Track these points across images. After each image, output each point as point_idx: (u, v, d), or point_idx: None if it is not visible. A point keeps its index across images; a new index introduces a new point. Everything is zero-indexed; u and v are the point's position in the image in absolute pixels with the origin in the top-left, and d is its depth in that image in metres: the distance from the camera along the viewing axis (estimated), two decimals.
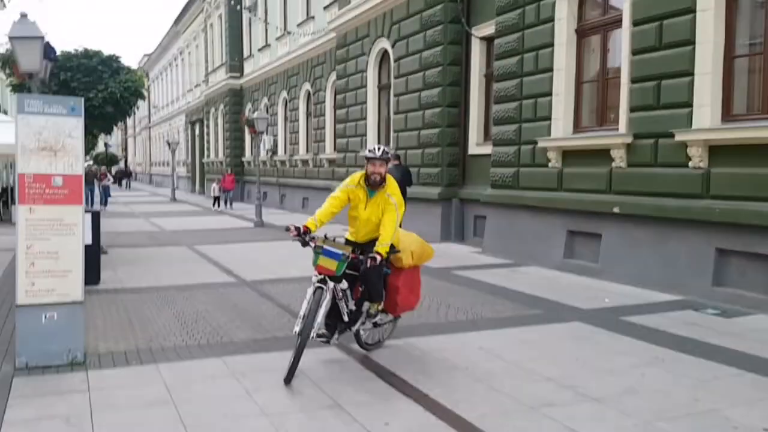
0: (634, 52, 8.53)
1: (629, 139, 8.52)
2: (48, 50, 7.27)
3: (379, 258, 4.58)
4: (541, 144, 10.04)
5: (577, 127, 9.78)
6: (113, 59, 11.15)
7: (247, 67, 28.75)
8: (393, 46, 14.62)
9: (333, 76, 19.05)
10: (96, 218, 8.35)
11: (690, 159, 7.71)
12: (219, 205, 24.13)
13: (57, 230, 4.89)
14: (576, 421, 3.84)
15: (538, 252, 9.96)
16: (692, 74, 7.71)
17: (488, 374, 4.71)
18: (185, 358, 5.16)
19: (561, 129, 9.80)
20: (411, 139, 13.81)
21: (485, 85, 12.62)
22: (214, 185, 25.12)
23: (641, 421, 3.84)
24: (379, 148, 4.80)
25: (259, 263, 10.41)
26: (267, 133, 19.15)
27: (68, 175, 4.91)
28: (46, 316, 4.88)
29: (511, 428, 3.75)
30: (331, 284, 4.66)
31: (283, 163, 23.79)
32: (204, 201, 30.36)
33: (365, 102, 16.18)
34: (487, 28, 12.07)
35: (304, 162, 21.82)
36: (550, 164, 9.96)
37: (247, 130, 26.79)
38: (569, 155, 9.70)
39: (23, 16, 6.46)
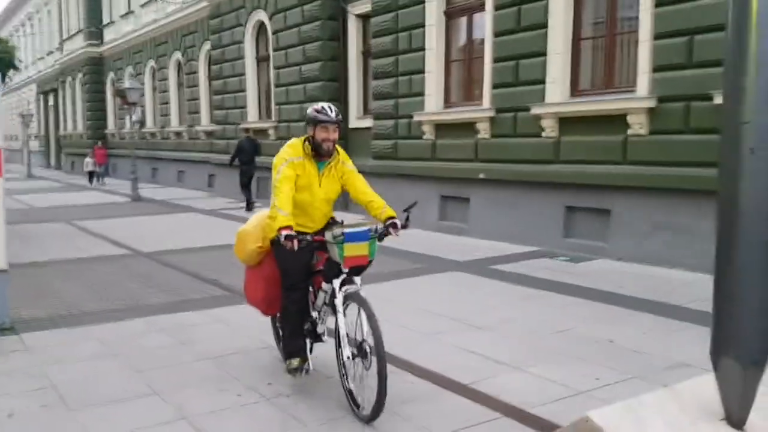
0: (496, 34, 9.65)
1: (492, 113, 9.67)
2: None
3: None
4: (416, 118, 11.01)
5: (447, 102, 10.84)
6: None
7: (108, 34, 27.37)
8: (270, 19, 14.92)
9: (206, 46, 18.90)
10: None
11: (543, 130, 8.98)
12: (94, 181, 23.22)
13: None
14: (467, 342, 4.79)
15: (417, 217, 10.97)
16: (545, 54, 8.94)
17: (391, 314, 5.56)
18: (110, 320, 5.54)
19: (433, 104, 10.82)
20: (294, 112, 14.31)
21: (363, 61, 13.37)
22: (87, 159, 23.83)
23: (518, 339, 4.87)
24: (331, 108, 3.76)
25: (148, 236, 10.57)
26: (139, 104, 18.68)
27: None
28: None
29: (417, 350, 4.62)
30: (358, 280, 3.65)
31: (153, 135, 23.23)
32: (64, 176, 28.83)
33: (244, 74, 16.36)
34: (363, 6, 12.78)
35: (178, 134, 21.50)
36: (424, 136, 10.98)
37: (115, 100, 25.70)
38: (441, 128, 10.76)
39: None
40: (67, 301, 6.19)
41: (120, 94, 18.16)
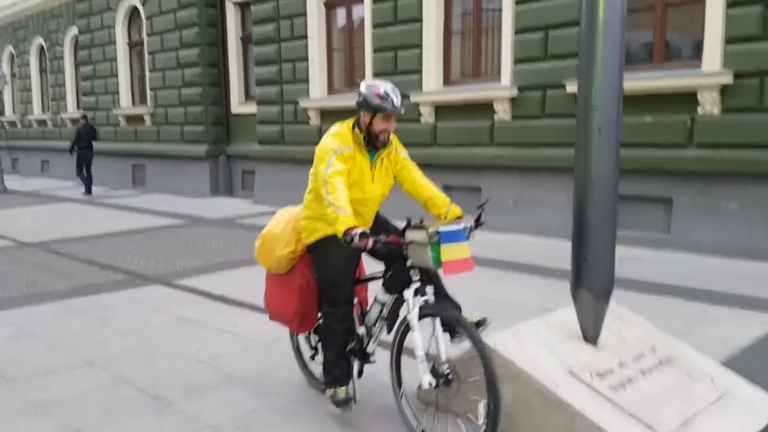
0: (375, 26, 10.29)
1: None
2: None
3: None
4: (302, 104, 11.44)
5: (331, 89, 11.36)
6: None
7: None
8: (144, 4, 14.60)
9: (72, 30, 18.02)
10: None
11: (422, 116, 9.78)
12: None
13: None
14: None
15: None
16: (421, 47, 9.72)
17: None
18: (17, 306, 5.59)
19: (318, 91, 11.30)
20: (171, 98, 14.17)
21: (243, 47, 13.52)
22: None
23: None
24: (396, 95, 3.21)
25: (29, 227, 10.21)
26: (3, 92, 17.48)
27: None
28: None
29: None
30: (430, 290, 3.13)
31: (13, 124, 21.72)
32: None
33: (115, 59, 15.86)
34: None
35: (41, 122, 20.30)
36: (310, 122, 11.44)
37: None
38: (326, 114, 11.27)
39: None
40: None
41: None
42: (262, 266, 3.62)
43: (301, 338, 3.85)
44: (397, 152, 3.39)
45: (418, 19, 9.66)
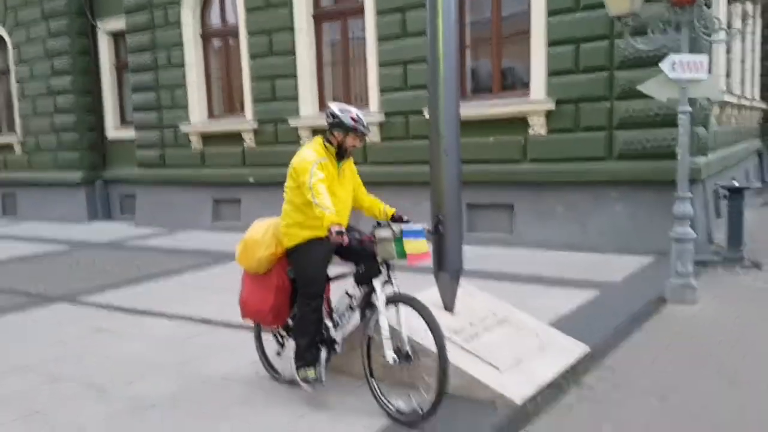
0: (252, 57, 11.12)
1: (255, 125, 11.14)
2: None
3: None
4: (182, 129, 11.96)
5: (212, 114, 12.01)
6: None
7: None
8: (11, 33, 14.38)
9: None
10: None
11: (301, 138, 10.71)
12: None
13: None
14: None
15: (189, 220, 11.94)
16: (296, 76, 10.64)
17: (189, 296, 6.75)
18: None
19: (198, 116, 11.89)
20: (42, 125, 14.05)
21: (117, 74, 13.76)
22: None
23: None
24: (363, 118, 3.92)
25: None
26: None
27: None
28: None
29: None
30: (395, 282, 3.79)
31: None
32: None
33: None
34: (114, 23, 13.23)
35: None
36: (192, 146, 12.00)
37: None
38: (208, 138, 11.87)
39: None
40: None
41: None
42: (243, 267, 4.14)
43: (266, 335, 4.39)
44: (352, 163, 4.09)
45: (293, 53, 10.60)
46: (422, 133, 9.39)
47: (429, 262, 3.84)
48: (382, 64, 9.79)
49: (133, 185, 13.00)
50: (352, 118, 3.83)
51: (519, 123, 8.81)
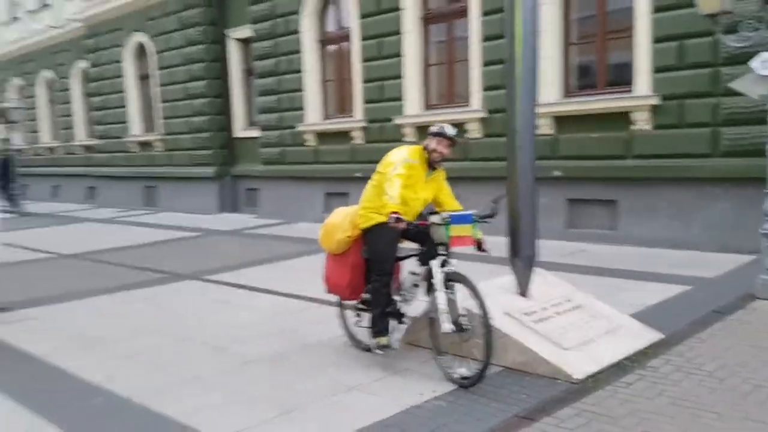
0: (363, 60, 11.81)
1: (364, 124, 11.83)
2: None
3: None
4: (299, 129, 12.91)
5: (326, 115, 12.86)
6: None
7: None
8: (152, 41, 16.10)
9: (80, 64, 19.46)
10: None
11: (404, 136, 11.26)
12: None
13: None
14: None
15: (304, 212, 12.88)
16: (401, 77, 11.21)
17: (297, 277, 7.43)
18: (84, 298, 6.95)
19: (313, 117, 12.79)
20: (180, 126, 15.62)
21: (245, 79, 15.01)
22: None
23: None
24: (450, 127, 4.45)
25: (60, 243, 11.50)
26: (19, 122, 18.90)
27: None
28: None
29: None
30: (454, 261, 4.27)
31: (20, 151, 23.01)
32: None
33: (123, 91, 17.30)
34: (243, 31, 14.43)
35: (51, 149, 21.68)
36: (306, 144, 12.92)
37: None
38: (322, 136, 12.74)
39: None
40: (35, 290, 7.45)
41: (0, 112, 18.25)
42: (324, 248, 4.80)
43: (348, 311, 4.93)
44: (443, 181, 4.65)
45: (399, 54, 11.17)
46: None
47: (470, 245, 4.23)
48: (485, 63, 10.10)
49: (256, 180, 14.18)
50: (438, 126, 4.45)
51: (623, 119, 8.78)
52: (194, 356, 4.89)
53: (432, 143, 4.41)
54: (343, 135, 12.22)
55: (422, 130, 11.06)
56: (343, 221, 4.65)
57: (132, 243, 10.99)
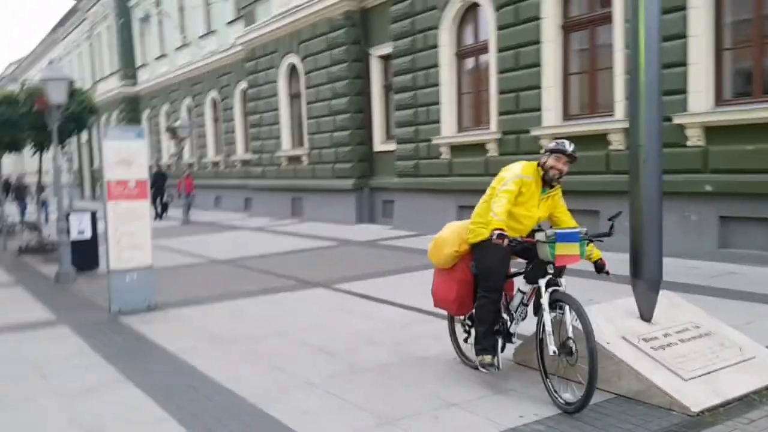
0: (500, 72, 11.68)
1: (499, 136, 11.68)
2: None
3: None
4: (434, 141, 13.04)
5: (460, 127, 12.87)
6: (71, 83, 12.54)
7: (142, 75, 29.82)
8: (302, 61, 17.10)
9: (241, 85, 21.14)
10: (93, 218, 10.26)
11: (541, 147, 10.94)
12: (162, 214, 20.97)
13: (133, 217, 7.11)
14: None
15: (437, 224, 12.77)
16: (540, 87, 10.94)
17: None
18: (222, 301, 7.53)
19: (448, 129, 12.85)
20: (324, 140, 16.42)
21: (384, 94, 15.46)
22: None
23: None
24: (569, 144, 4.20)
25: (216, 249, 12.54)
26: (187, 139, 20.99)
27: (139, 179, 7.14)
28: (129, 277, 7.09)
29: None
30: (563, 281, 4.13)
31: (190, 165, 25.43)
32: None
33: (277, 109, 18.52)
34: (384, 49, 14.89)
35: (215, 164, 23.71)
36: (441, 156, 13.00)
37: (151, 135, 28.06)
38: (456, 149, 12.77)
39: (51, 62, 8.32)
40: (182, 292, 8.20)
41: (170, 131, 20.34)
42: (432, 262, 4.76)
43: (458, 327, 4.87)
44: (560, 199, 4.45)
45: (537, 64, 10.92)
46: (668, 140, 9.01)
47: (577, 262, 4.07)
48: (629, 72, 9.55)
49: (392, 192, 14.50)
50: (555, 141, 4.32)
51: None
52: (309, 361, 5.10)
53: (550, 160, 4.23)
54: (478, 147, 12.14)
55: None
56: (453, 236, 4.62)
57: (275, 251, 11.71)
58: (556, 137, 10.79)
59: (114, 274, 7.06)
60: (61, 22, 39.09)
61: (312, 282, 8.48)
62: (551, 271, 4.11)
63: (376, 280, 8.46)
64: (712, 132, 8.67)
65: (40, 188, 20.85)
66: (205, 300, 7.64)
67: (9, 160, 32.66)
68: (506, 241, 3.97)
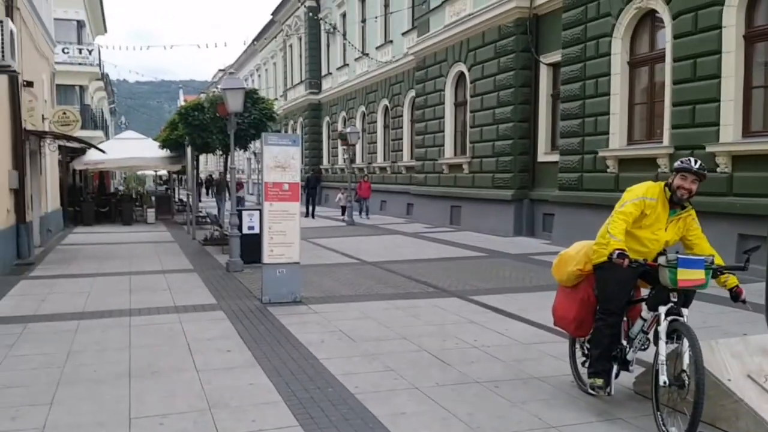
0: (675, 82, 10.85)
1: (671, 150, 10.84)
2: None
3: None
4: (601, 154, 12.44)
5: (630, 140, 12.14)
6: (254, 92, 14.01)
7: (325, 84, 31.83)
8: (469, 70, 17.21)
9: (410, 93, 21.78)
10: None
11: (718, 166, 9.99)
12: (348, 215, 20.83)
13: (285, 217, 7.69)
14: None
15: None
16: (719, 101, 10.00)
17: None
18: (359, 300, 7.87)
19: (617, 142, 12.19)
20: (486, 149, 16.37)
21: (551, 103, 15.04)
22: (340, 195, 23.47)
23: None
24: (695, 161, 3.95)
25: (369, 251, 13.07)
26: (357, 145, 22.10)
27: (292, 182, 7.72)
28: (279, 271, 7.68)
29: None
30: (685, 311, 3.88)
31: (361, 170, 26.67)
32: None
33: (443, 117, 18.81)
34: (554, 56, 14.50)
35: (382, 169, 24.64)
36: (608, 170, 12.36)
37: (330, 140, 29.89)
38: (624, 162, 12.07)
39: (231, 73, 9.39)
40: (325, 289, 8.70)
41: (342, 137, 21.53)
42: (555, 278, 4.66)
43: (578, 349, 4.68)
44: (694, 221, 4.14)
45: (717, 76, 9.99)
46: None
47: (699, 285, 3.81)
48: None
49: (553, 205, 14.05)
50: (681, 160, 4.05)
51: None
52: (423, 367, 5.19)
53: (676, 179, 3.99)
54: (648, 162, 11.37)
55: (739, 160, 9.72)
56: (578, 254, 4.47)
57: (424, 257, 11.93)
58: (734, 156, 9.87)
59: (266, 268, 7.70)
60: (261, 33, 42.88)
61: (450, 291, 8.54)
62: (674, 299, 3.87)
63: (516, 294, 8.31)
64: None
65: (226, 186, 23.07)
66: (345, 298, 8.04)
67: (214, 159, 36.58)
68: (627, 262, 3.78)
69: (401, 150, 22.91)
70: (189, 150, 15.66)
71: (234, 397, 4.51)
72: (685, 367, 3.63)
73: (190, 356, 5.57)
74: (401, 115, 22.85)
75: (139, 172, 36.47)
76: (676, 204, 4.05)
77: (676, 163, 4.04)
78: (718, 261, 3.95)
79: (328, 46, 31.49)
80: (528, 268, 10.45)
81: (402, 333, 6.27)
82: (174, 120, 16.50)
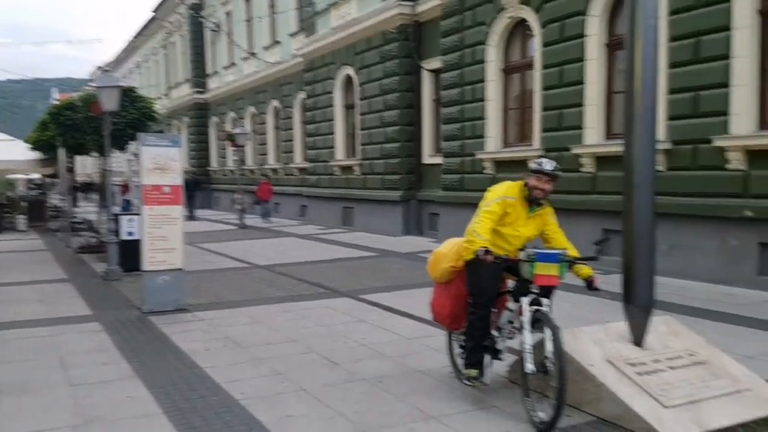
0: (544, 88, 11.59)
1: (542, 152, 11.54)
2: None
3: None
4: (478, 156, 13.04)
5: (505, 143, 12.83)
6: (132, 90, 13.36)
7: (212, 83, 31.01)
8: (357, 73, 17.45)
9: (300, 95, 21.73)
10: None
11: (582, 166, 10.79)
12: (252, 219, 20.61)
13: (166, 221, 7.50)
14: None
15: None
16: (583, 105, 10.80)
17: None
18: (248, 305, 7.83)
19: (493, 145, 12.83)
20: (375, 151, 16.67)
21: (434, 108, 15.57)
22: (236, 196, 21.77)
23: None
24: (548, 162, 4.27)
25: (260, 254, 12.95)
26: (246, 147, 21.70)
27: (172, 185, 7.54)
28: (161, 279, 7.48)
29: None
30: (546, 301, 4.14)
31: (252, 171, 26.25)
32: None
33: (333, 119, 18.94)
34: (435, 62, 15.01)
35: (274, 170, 24.39)
36: (485, 171, 12.98)
37: (217, 141, 29.14)
38: (500, 164, 12.72)
39: (107, 71, 9.00)
40: (213, 295, 8.56)
41: (230, 138, 21.09)
42: (430, 275, 4.88)
43: (454, 341, 4.92)
44: (550, 217, 4.47)
45: (580, 82, 10.79)
46: (706, 163, 8.77)
47: (556, 284, 4.14)
48: (671, 91, 9.33)
49: (438, 205, 14.56)
50: (536, 161, 4.35)
51: None
52: (311, 369, 5.28)
53: (531, 180, 4.28)
54: (521, 163, 12.04)
55: (602, 161, 10.54)
56: (450, 251, 4.69)
57: (316, 259, 11.99)
58: (598, 156, 10.70)
59: (147, 275, 7.48)
60: (142, 30, 41.08)
61: (340, 291, 8.68)
62: (535, 291, 4.15)
63: (404, 291, 8.58)
64: (755, 156, 8.35)
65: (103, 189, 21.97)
66: (233, 304, 7.97)
67: (91, 161, 34.54)
68: (491, 258, 4.04)
69: (293, 151, 22.80)
70: (62, 152, 14.79)
71: (111, 411, 4.39)
72: (548, 354, 3.90)
73: (65, 371, 5.34)
74: (292, 117, 22.74)
75: (8, 176, 33.81)
76: (533, 201, 4.33)
77: (531, 165, 4.33)
78: (573, 253, 4.27)
79: (213, 44, 30.72)
80: (416, 266, 10.77)
81: (291, 336, 6.33)
82: (45, 120, 15.49)
